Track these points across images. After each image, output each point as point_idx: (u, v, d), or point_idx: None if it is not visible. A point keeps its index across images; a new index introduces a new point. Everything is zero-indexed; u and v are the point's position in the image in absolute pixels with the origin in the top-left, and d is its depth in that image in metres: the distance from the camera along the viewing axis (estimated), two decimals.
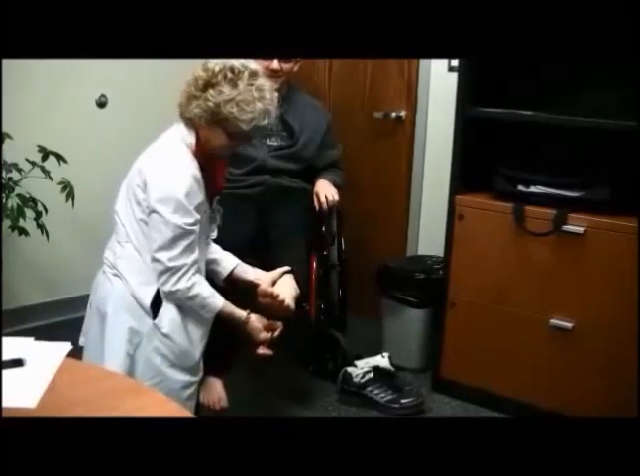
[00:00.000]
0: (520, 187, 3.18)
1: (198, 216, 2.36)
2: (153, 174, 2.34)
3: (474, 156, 3.29)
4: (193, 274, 2.39)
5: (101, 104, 3.92)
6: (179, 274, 2.35)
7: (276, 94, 2.42)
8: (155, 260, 2.35)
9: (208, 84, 2.32)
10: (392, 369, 3.41)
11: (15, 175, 3.25)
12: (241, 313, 2.55)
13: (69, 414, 1.49)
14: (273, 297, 2.64)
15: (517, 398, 3.22)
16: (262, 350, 2.60)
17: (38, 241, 3.36)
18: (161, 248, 2.33)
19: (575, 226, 3.01)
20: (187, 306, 2.43)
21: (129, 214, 2.41)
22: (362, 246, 4.10)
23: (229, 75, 2.30)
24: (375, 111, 4.16)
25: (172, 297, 2.39)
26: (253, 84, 2.32)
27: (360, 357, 3.47)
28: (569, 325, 3.07)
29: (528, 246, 3.15)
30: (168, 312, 2.40)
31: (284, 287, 2.76)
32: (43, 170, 3.26)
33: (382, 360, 3.41)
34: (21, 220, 3.23)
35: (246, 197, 3.43)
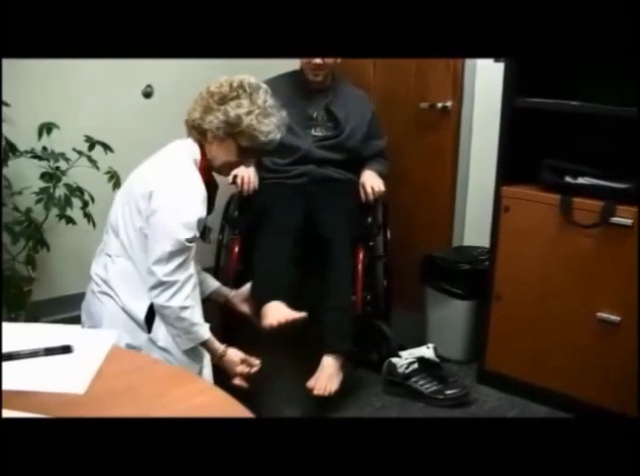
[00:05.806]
0: (567, 179, 3.14)
1: (197, 233, 2.41)
2: (164, 194, 2.38)
3: (520, 146, 3.25)
4: (190, 294, 2.40)
5: (147, 94, 3.94)
6: (173, 290, 2.36)
7: (285, 112, 2.54)
8: (150, 272, 2.37)
9: (226, 97, 2.42)
10: (437, 360, 3.40)
11: (62, 164, 3.29)
12: (218, 346, 2.56)
13: (114, 402, 1.50)
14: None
15: (562, 391, 3.19)
16: (237, 381, 2.60)
17: (84, 230, 3.39)
18: (158, 261, 2.34)
19: (623, 218, 2.96)
20: (171, 325, 2.42)
21: (127, 224, 2.44)
22: (406, 237, 4.09)
23: (248, 89, 2.43)
24: (421, 101, 4.13)
25: (162, 311, 2.40)
26: (267, 101, 2.45)
27: (404, 348, 3.46)
28: (616, 319, 3.03)
29: (575, 238, 3.10)
30: (162, 327, 2.42)
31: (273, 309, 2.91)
32: (89, 159, 3.29)
33: (427, 351, 3.39)
34: (68, 209, 3.26)
35: (291, 187, 3.43)
